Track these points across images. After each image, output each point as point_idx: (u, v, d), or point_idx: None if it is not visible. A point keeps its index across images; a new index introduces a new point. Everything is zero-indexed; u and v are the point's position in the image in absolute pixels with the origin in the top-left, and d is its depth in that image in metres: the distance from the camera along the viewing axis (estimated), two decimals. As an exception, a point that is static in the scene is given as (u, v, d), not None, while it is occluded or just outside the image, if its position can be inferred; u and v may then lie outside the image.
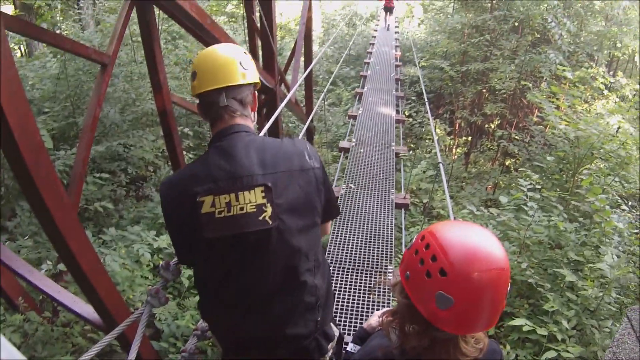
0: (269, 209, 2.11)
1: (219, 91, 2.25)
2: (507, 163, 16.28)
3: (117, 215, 8.90)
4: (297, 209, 2.21)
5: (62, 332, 5.88)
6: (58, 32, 12.46)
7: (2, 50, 3.01)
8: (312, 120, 12.86)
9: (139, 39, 7.91)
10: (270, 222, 2.11)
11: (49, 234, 4.08)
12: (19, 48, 17.54)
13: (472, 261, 1.48)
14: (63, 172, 7.98)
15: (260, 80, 2.49)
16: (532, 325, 5.03)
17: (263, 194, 2.10)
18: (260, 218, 2.10)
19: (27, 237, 7.19)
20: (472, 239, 1.56)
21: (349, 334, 5.33)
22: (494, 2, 19.36)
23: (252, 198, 2.10)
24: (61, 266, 6.29)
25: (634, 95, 14.76)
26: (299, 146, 2.32)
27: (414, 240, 1.67)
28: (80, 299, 5.33)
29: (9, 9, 15.41)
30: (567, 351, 4.86)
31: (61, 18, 14.46)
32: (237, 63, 2.29)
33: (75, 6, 15.92)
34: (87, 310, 5.20)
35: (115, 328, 2.90)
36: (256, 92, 2.47)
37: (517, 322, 5.09)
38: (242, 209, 2.09)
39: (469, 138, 20.46)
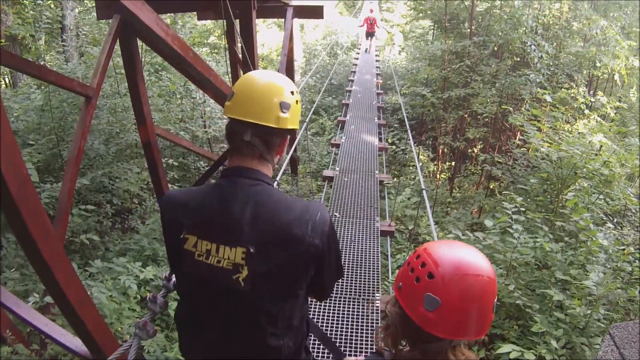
0: (245, 272, 1.97)
1: (246, 124, 2.07)
2: (491, 186, 16.35)
3: (103, 247, 8.87)
4: (276, 278, 2.04)
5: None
6: (42, 63, 12.47)
7: None
8: (295, 150, 12.90)
9: (123, 71, 7.95)
10: (242, 284, 1.98)
11: (36, 266, 4.07)
12: (3, 79, 17.56)
13: (458, 266, 1.61)
14: (49, 205, 7.95)
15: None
16: (519, 350, 5.02)
17: (243, 255, 1.96)
18: (234, 277, 1.98)
19: (13, 269, 7.13)
20: (460, 250, 1.70)
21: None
22: (473, 27, 19.59)
23: (232, 256, 1.98)
24: (48, 298, 6.25)
25: (616, 112, 14.93)
26: (307, 215, 2.04)
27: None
28: (68, 332, 5.29)
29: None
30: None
31: (45, 48, 14.47)
32: (277, 103, 2.07)
33: (59, 38, 15.98)
34: (75, 342, 5.16)
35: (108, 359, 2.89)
36: (288, 137, 2.26)
37: (505, 348, 5.08)
38: (219, 262, 1.99)
39: (453, 163, 20.53)
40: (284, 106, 2.08)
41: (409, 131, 12.85)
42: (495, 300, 1.64)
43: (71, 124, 10.52)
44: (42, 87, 11.23)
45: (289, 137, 2.24)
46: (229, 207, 2.01)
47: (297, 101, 2.17)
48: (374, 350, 2.03)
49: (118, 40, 6.75)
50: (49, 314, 6.22)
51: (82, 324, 4.41)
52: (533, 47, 14.66)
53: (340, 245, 7.87)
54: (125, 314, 6.53)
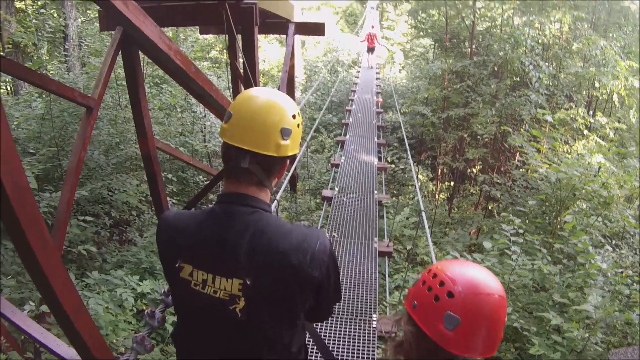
0: (242, 303, 1.93)
1: (244, 151, 1.94)
2: (489, 207, 16.36)
3: (100, 258, 8.84)
4: (274, 308, 1.98)
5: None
6: (44, 72, 12.49)
7: None
8: (295, 168, 12.89)
9: (124, 82, 7.95)
10: (239, 315, 1.93)
11: (33, 275, 4.05)
12: (5, 87, 17.58)
13: (477, 285, 1.66)
14: (47, 214, 7.93)
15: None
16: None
17: (240, 287, 1.91)
18: (231, 308, 1.93)
19: (10, 276, 7.10)
20: (474, 269, 1.74)
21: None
22: (474, 47, 19.67)
23: (228, 287, 1.92)
24: (44, 307, 6.22)
25: (615, 133, 14.97)
26: (305, 244, 1.95)
27: (419, 276, 1.83)
28: (63, 342, 5.27)
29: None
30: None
31: (47, 57, 14.51)
32: (277, 131, 1.95)
33: (62, 47, 16.03)
34: (70, 353, 5.12)
35: None
36: (288, 161, 2.14)
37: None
38: (215, 292, 1.95)
39: (452, 183, 20.56)
40: (284, 133, 1.97)
41: (408, 151, 12.87)
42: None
43: (71, 133, 10.52)
44: (43, 96, 11.24)
45: (288, 160, 2.13)
46: (225, 237, 1.95)
47: (298, 124, 2.05)
48: None
49: (120, 52, 6.77)
50: (45, 322, 6.20)
51: (77, 334, 4.38)
52: (532, 67, 14.71)
53: (339, 265, 7.83)
54: (121, 326, 6.50)
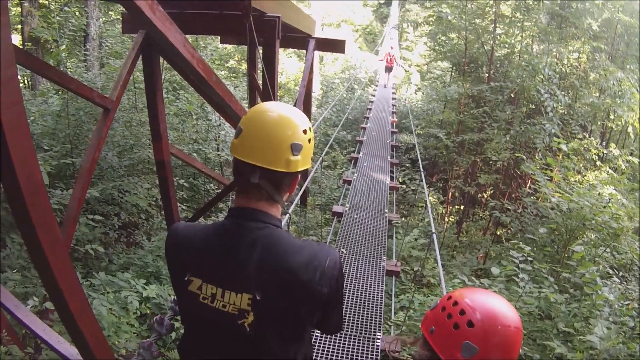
0: (250, 318, 1.92)
1: (254, 167, 1.93)
2: (498, 233, 16.30)
3: (106, 259, 8.86)
4: (282, 323, 1.97)
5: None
6: (63, 69, 12.58)
7: (12, 87, 3.05)
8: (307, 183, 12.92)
9: (141, 85, 8.00)
10: (248, 329, 1.92)
11: (40, 271, 4.06)
12: (23, 81, 17.72)
13: (497, 317, 1.69)
14: (57, 211, 7.96)
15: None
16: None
17: (249, 302, 1.90)
18: (240, 322, 1.92)
19: (15, 270, 7.12)
20: (495, 300, 1.77)
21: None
22: (491, 72, 19.67)
23: (237, 302, 1.92)
24: (48, 304, 6.23)
25: (627, 166, 14.90)
26: (315, 261, 1.94)
27: (438, 301, 1.86)
28: (65, 340, 5.27)
29: (15, 39, 15.64)
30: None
31: (66, 54, 14.60)
32: (288, 146, 1.93)
33: (82, 46, 16.15)
34: (71, 351, 5.13)
35: None
36: (299, 176, 2.12)
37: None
38: (224, 306, 1.94)
39: (462, 207, 20.50)
40: (295, 148, 1.94)
41: (421, 172, 12.83)
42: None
43: (86, 132, 10.61)
44: (60, 93, 11.32)
45: (299, 175, 2.10)
46: (236, 252, 1.95)
47: (309, 139, 2.03)
48: None
49: (141, 56, 6.82)
50: (47, 319, 6.21)
51: (80, 333, 4.39)
52: (547, 95, 14.68)
53: (345, 282, 7.82)
54: (124, 329, 6.51)
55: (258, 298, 1.88)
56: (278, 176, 1.98)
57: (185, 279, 1.99)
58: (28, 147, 3.33)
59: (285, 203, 2.21)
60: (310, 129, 2.03)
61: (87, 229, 8.48)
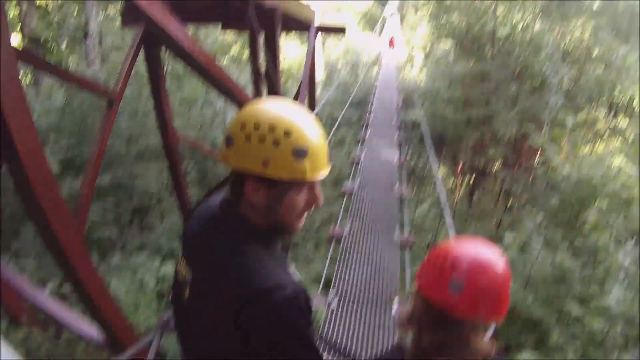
0: (187, 292, 1.76)
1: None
2: (509, 203, 16.29)
3: (120, 242, 8.90)
4: (206, 321, 1.72)
5: (65, 350, 5.84)
6: (64, 66, 12.58)
7: (15, 85, 3.08)
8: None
9: (144, 76, 7.99)
10: (185, 301, 1.78)
11: (56, 258, 4.09)
12: (25, 78, 17.75)
13: (479, 254, 1.75)
14: (68, 200, 7.99)
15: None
16: (536, 358, 4.99)
17: (187, 273, 1.76)
18: (183, 291, 1.78)
19: (31, 257, 7.17)
20: (479, 243, 1.83)
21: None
22: (494, 51, 19.59)
23: (184, 271, 1.78)
24: (66, 287, 6.29)
25: (634, 136, 14.84)
26: (253, 295, 1.57)
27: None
28: (85, 319, 5.32)
29: (15, 39, 15.64)
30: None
31: (67, 52, 14.60)
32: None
33: (82, 44, 16.15)
34: (91, 330, 5.19)
35: (127, 351, 2.91)
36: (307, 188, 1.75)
37: (523, 356, 5.05)
38: (181, 273, 1.78)
39: (472, 179, 20.50)
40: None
41: (429, 145, 12.82)
42: (510, 285, 1.75)
43: (91, 125, 10.61)
44: (64, 89, 11.32)
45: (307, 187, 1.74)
46: (207, 238, 1.77)
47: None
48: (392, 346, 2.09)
49: (143, 47, 6.81)
50: (66, 301, 6.26)
51: (99, 314, 4.45)
52: (551, 71, 14.61)
53: (360, 256, 7.93)
54: (142, 307, 6.54)
55: (190, 276, 1.76)
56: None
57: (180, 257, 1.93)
58: (34, 140, 3.37)
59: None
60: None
61: (100, 214, 8.53)
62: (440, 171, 18.92)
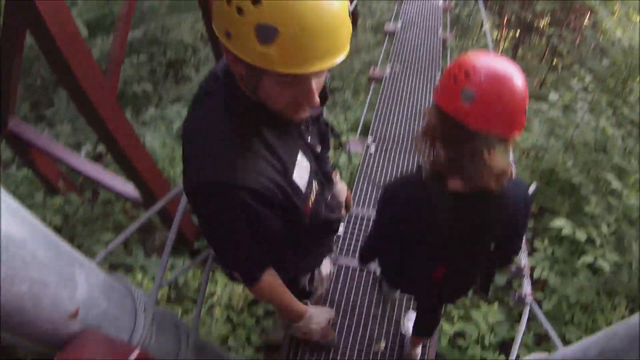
0: None
1: None
2: (554, 61, 15.83)
3: (156, 96, 8.87)
4: None
5: (102, 211, 5.98)
6: None
7: None
8: (355, 5, 12.48)
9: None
10: None
11: (88, 117, 4.10)
12: None
13: (493, 65, 1.74)
14: (100, 60, 7.88)
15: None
16: (571, 228, 4.95)
17: None
18: None
19: (65, 123, 7.22)
20: (500, 57, 1.82)
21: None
22: None
23: None
24: (100, 148, 6.35)
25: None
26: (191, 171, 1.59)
27: None
28: (120, 178, 5.41)
29: None
30: (603, 257, 4.82)
31: None
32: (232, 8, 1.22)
33: None
34: (127, 188, 5.29)
35: (157, 203, 2.95)
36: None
37: (557, 223, 5.02)
38: None
39: (517, 32, 19.86)
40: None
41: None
42: (527, 102, 1.76)
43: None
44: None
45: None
46: (198, 102, 1.68)
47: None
48: None
49: None
50: (101, 162, 6.35)
51: (134, 170, 4.52)
52: None
53: (400, 96, 8.02)
54: (178, 159, 6.61)
55: None
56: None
57: None
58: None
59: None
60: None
61: (133, 70, 8.45)
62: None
